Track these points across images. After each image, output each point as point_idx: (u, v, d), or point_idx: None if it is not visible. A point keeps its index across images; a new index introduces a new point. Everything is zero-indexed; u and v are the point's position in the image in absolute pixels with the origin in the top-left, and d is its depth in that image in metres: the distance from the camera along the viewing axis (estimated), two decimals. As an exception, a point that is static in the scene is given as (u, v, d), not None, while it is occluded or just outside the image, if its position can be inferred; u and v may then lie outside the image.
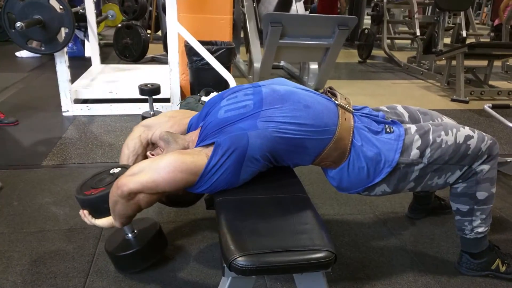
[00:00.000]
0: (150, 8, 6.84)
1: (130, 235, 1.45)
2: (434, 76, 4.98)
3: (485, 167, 1.38)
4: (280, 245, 1.02)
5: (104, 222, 1.31)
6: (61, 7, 2.81)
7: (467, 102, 4.07)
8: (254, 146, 1.19)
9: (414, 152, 1.32)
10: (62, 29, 2.94)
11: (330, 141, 1.28)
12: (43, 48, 3.00)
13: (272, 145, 1.22)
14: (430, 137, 1.33)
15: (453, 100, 4.15)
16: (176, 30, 3.15)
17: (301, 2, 4.72)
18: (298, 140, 1.24)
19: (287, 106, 1.25)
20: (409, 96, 4.31)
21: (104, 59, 5.32)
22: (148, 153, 1.40)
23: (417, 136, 1.33)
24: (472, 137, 1.36)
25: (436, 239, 1.80)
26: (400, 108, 1.58)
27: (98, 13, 5.49)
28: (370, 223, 1.90)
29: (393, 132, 1.33)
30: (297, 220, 1.13)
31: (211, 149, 1.22)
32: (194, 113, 1.53)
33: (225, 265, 1.01)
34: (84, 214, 1.32)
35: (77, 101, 3.37)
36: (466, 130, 1.37)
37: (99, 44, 6.05)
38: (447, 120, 1.63)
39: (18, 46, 2.99)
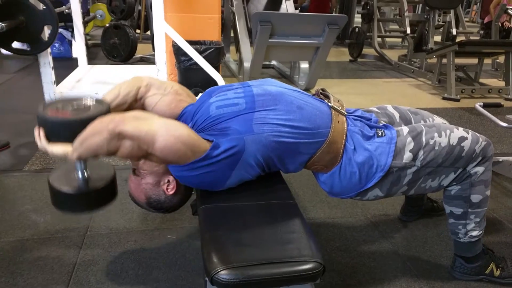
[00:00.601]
0: (139, 8, 6.75)
1: (80, 174, 1.24)
2: (425, 74, 4.95)
3: (480, 169, 1.34)
4: (265, 257, 0.97)
5: (58, 149, 1.11)
6: (44, 7, 2.73)
7: (458, 100, 4.05)
8: (250, 152, 1.15)
9: (407, 155, 1.27)
10: (46, 27, 2.85)
11: (323, 144, 1.23)
12: (28, 49, 2.90)
13: (267, 151, 1.18)
14: (423, 139, 1.29)
15: (444, 98, 4.13)
16: (163, 30, 3.08)
17: (291, 1, 4.67)
18: (293, 144, 1.19)
19: (280, 107, 1.20)
20: (400, 95, 4.28)
21: (92, 60, 5.24)
22: None
23: (409, 139, 1.29)
24: (466, 138, 1.31)
25: (429, 242, 1.75)
26: (390, 108, 1.53)
27: (85, 13, 5.39)
28: (361, 227, 1.85)
29: (384, 135, 1.29)
30: (284, 228, 1.07)
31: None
32: (194, 99, 1.44)
33: (207, 278, 0.95)
34: (39, 135, 1.13)
35: (62, 103, 3.28)
36: (459, 132, 1.33)
37: (87, 44, 5.97)
38: (438, 119, 1.59)
39: (3, 49, 2.89)
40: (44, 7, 2.71)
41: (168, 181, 1.26)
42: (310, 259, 0.96)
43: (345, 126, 1.28)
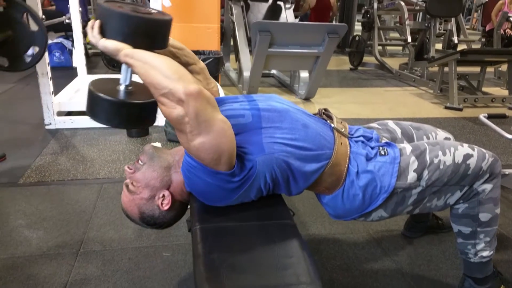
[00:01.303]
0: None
1: (123, 85, 1.14)
2: (427, 83, 4.91)
3: (487, 186, 1.28)
4: (261, 284, 0.91)
5: (111, 43, 1.02)
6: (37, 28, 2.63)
7: (461, 109, 4.00)
8: (260, 173, 1.12)
9: (411, 175, 1.22)
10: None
11: (326, 166, 1.19)
12: (6, 65, 2.77)
13: (276, 173, 1.14)
14: (427, 158, 1.24)
15: (446, 107, 4.08)
16: (162, 39, 3.05)
17: (291, 10, 4.64)
18: (299, 166, 1.15)
19: (285, 125, 1.16)
20: (402, 104, 4.23)
21: (93, 69, 5.23)
22: (126, 167, 1.27)
23: (413, 158, 1.24)
24: (471, 155, 1.26)
25: (434, 261, 1.69)
26: (391, 124, 1.49)
27: (86, 22, 5.37)
28: (363, 244, 1.80)
29: (387, 154, 1.24)
30: (281, 252, 1.02)
31: None
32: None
33: (199, 307, 0.90)
34: (93, 27, 1.04)
35: (61, 113, 3.25)
36: (464, 149, 1.28)
37: (88, 53, 5.95)
38: (442, 133, 1.53)
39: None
40: (38, 29, 2.61)
41: (163, 195, 1.21)
42: (308, 287, 0.91)
43: (348, 148, 1.23)
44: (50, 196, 2.14)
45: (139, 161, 1.25)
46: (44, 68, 2.95)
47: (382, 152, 1.24)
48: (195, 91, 0.96)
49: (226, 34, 5.13)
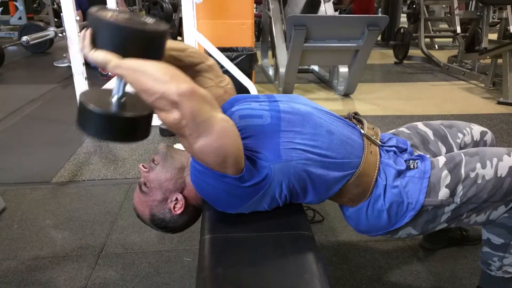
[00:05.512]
0: (180, 15, 6.80)
1: (116, 96, 1.04)
2: (478, 76, 4.57)
3: None
4: (265, 306, 0.82)
5: (100, 55, 0.93)
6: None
7: (516, 104, 3.68)
8: (275, 182, 1.03)
9: (443, 192, 1.07)
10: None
11: (352, 176, 1.08)
12: None
13: (293, 181, 1.04)
14: (462, 171, 1.08)
15: (499, 102, 3.76)
16: (194, 37, 3.01)
17: (330, 3, 4.46)
18: (320, 175, 1.05)
19: (308, 130, 1.06)
20: (449, 100, 3.95)
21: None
22: (140, 165, 1.21)
23: (445, 172, 1.09)
24: None
25: (477, 274, 1.51)
26: (421, 126, 1.34)
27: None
28: (398, 252, 1.64)
29: (416, 168, 1.11)
30: (293, 268, 0.92)
31: None
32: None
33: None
34: (84, 37, 0.96)
35: (97, 112, 3.29)
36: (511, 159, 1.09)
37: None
38: (477, 127, 1.36)
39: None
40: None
41: (176, 199, 1.15)
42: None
43: (378, 157, 1.11)
44: (79, 196, 2.14)
45: (154, 161, 1.19)
46: (79, 67, 2.99)
47: (412, 166, 1.11)
48: (187, 90, 0.86)
49: (264, 30, 5.04)
